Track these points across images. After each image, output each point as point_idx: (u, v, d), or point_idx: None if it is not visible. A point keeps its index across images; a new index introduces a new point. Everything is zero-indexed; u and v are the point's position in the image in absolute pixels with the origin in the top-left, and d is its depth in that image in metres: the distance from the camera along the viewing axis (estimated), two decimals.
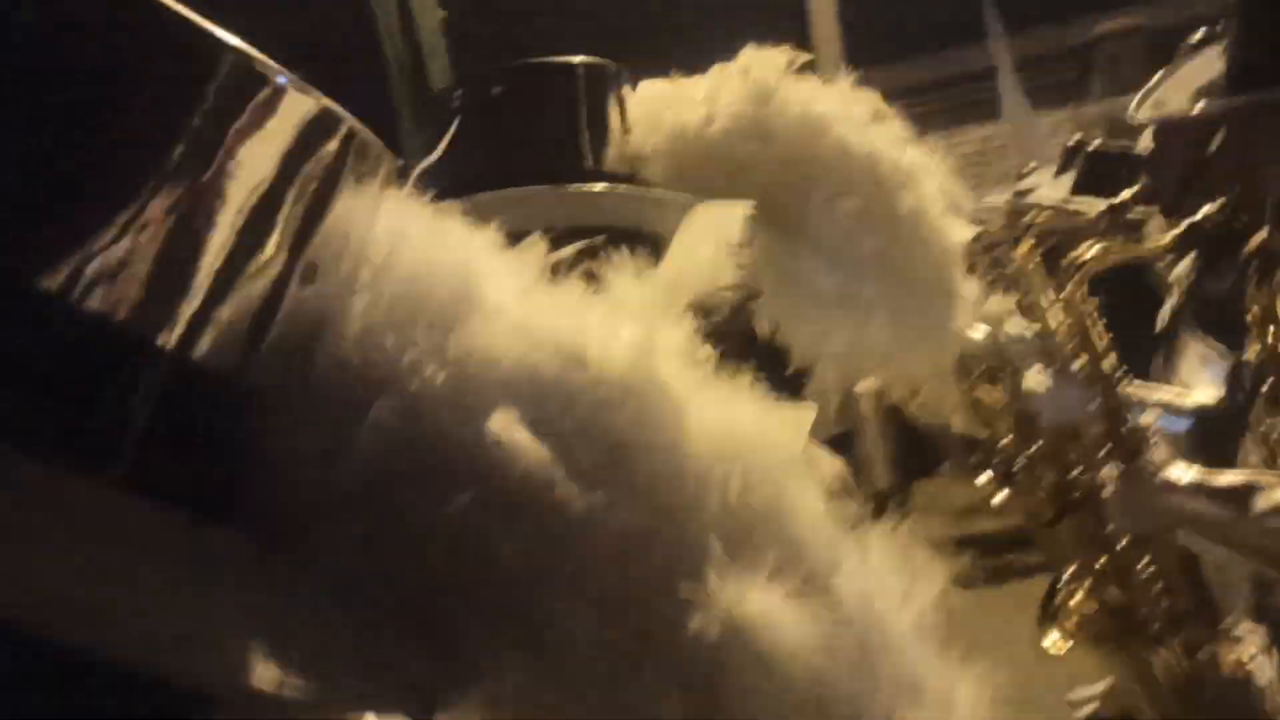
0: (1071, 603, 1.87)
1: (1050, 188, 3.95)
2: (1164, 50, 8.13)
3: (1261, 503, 1.45)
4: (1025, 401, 2.20)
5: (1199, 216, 1.75)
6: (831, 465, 1.21)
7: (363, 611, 0.46)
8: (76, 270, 0.40)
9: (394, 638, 0.47)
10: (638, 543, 0.49)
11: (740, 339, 1.22)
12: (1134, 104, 2.11)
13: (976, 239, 3.78)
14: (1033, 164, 5.14)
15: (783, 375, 1.22)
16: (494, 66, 1.49)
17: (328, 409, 0.47)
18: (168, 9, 0.46)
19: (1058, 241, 2.77)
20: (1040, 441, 2.20)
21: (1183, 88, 1.97)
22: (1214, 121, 1.83)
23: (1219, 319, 1.86)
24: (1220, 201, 1.74)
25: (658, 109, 1.42)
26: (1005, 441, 2.99)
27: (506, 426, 0.47)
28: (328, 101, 0.48)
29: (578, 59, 1.34)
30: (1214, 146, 1.83)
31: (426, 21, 7.27)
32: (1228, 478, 1.56)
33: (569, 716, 0.48)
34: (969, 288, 1.68)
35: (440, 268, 0.51)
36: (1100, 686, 4.48)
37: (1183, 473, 1.60)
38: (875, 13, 9.41)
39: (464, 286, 0.51)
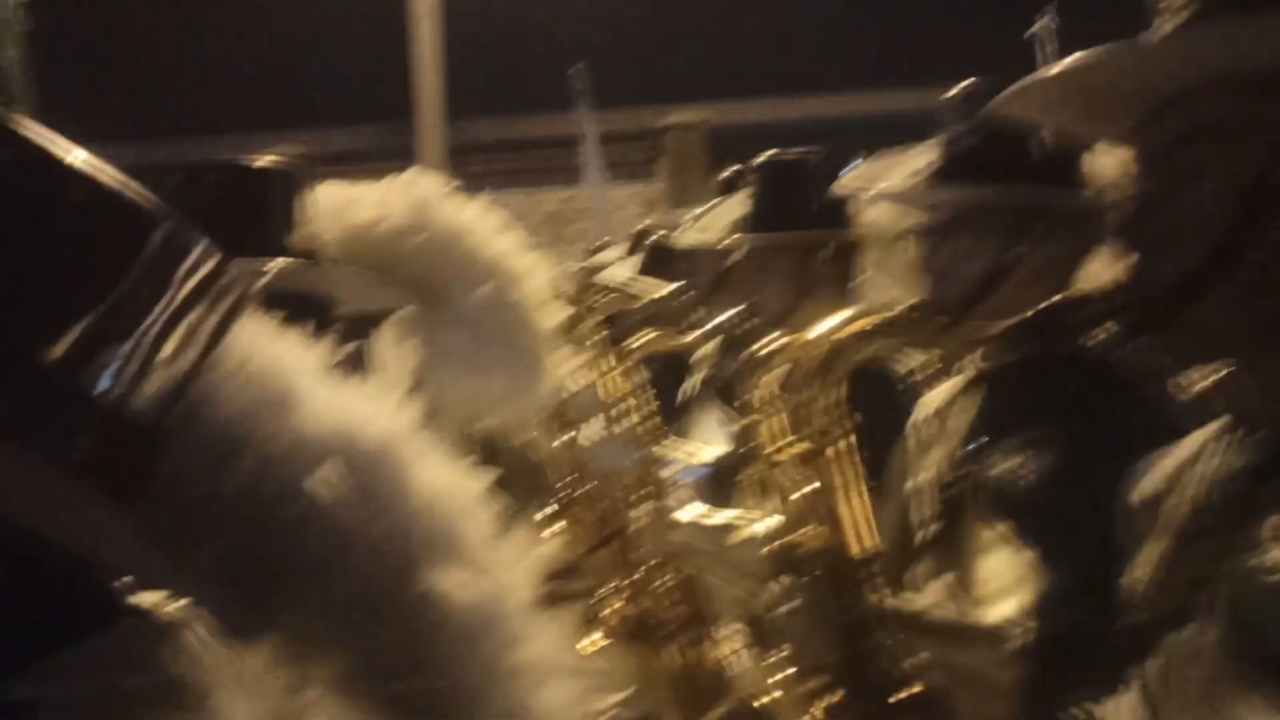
0: (606, 612, 2.39)
1: (619, 266, 4.54)
2: (724, 145, 9.22)
3: (733, 538, 2.03)
4: (585, 449, 2.72)
5: (720, 320, 2.36)
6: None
7: (216, 569, 0.80)
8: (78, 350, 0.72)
9: (229, 588, 0.81)
10: (379, 542, 0.86)
11: None
12: (680, 231, 2.71)
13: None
14: (607, 238, 5.80)
15: None
16: (211, 162, 1.80)
17: (215, 450, 0.81)
18: (104, 186, 0.78)
19: (621, 316, 3.37)
20: (592, 483, 2.72)
21: (721, 218, 2.60)
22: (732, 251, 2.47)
23: (729, 391, 2.46)
24: (736, 310, 2.35)
25: (338, 206, 1.81)
26: (566, 481, 3.54)
27: (319, 477, 0.83)
28: (219, 254, 0.80)
29: (270, 160, 1.71)
30: (729, 266, 2.46)
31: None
32: (717, 517, 2.14)
33: (335, 650, 0.84)
34: (561, 353, 2.19)
35: (273, 364, 0.85)
36: (623, 695, 5.13)
37: (689, 512, 2.16)
38: (475, 68, 9.85)
39: (287, 381, 0.86)
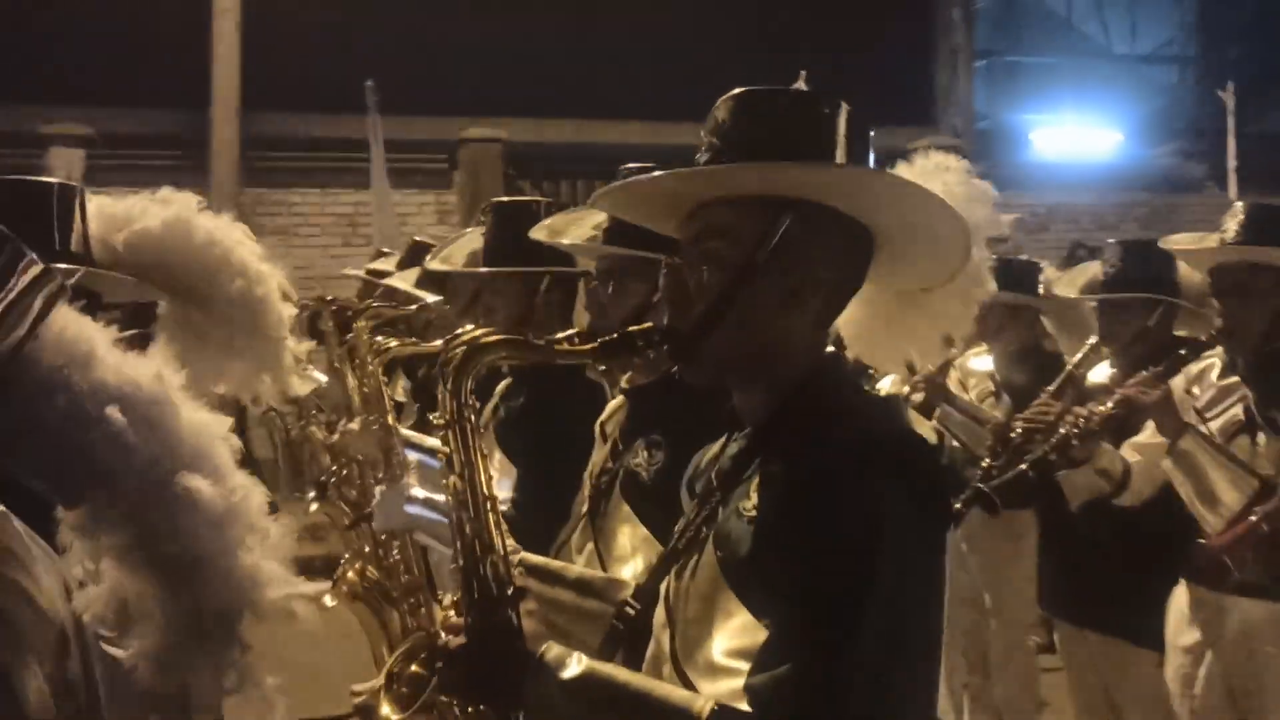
0: (348, 575, 2.79)
1: (398, 278, 4.89)
2: (519, 162, 9.63)
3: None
4: (341, 439, 3.11)
5: (461, 332, 2.80)
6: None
7: (44, 467, 1.21)
8: None
9: (52, 481, 1.22)
10: (153, 454, 1.27)
11: None
12: (430, 257, 3.13)
13: (327, 304, 4.67)
14: (385, 250, 6.13)
15: None
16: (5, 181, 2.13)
17: (42, 388, 1.21)
18: None
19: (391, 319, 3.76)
20: (348, 468, 3.12)
21: (462, 249, 3.03)
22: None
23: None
24: (470, 327, 2.80)
25: (109, 216, 2.18)
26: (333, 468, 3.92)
27: (111, 410, 1.24)
28: (41, 262, 1.19)
29: (56, 180, 2.08)
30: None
31: None
32: (443, 498, 2.57)
33: (120, 528, 1.25)
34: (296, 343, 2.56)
35: (78, 335, 1.26)
36: (376, 683, 5.47)
37: (419, 491, 2.59)
38: (276, 65, 9.88)
39: (89, 346, 1.26)
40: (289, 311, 2.43)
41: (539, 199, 3.02)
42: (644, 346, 1.55)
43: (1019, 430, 3.32)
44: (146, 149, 9.86)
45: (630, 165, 2.19)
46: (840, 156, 1.50)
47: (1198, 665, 3.10)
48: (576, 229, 2.40)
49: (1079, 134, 14.02)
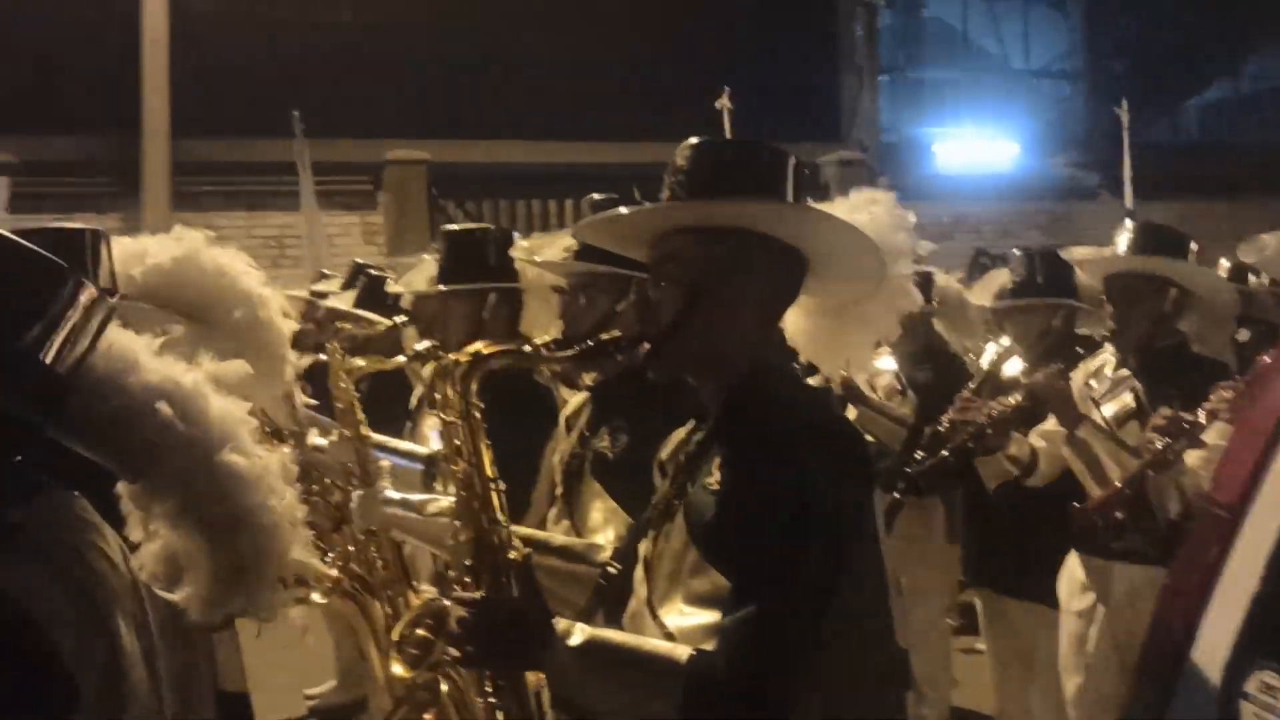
0: (333, 573, 3.04)
1: (338, 298, 5.12)
2: (443, 183, 9.83)
3: (429, 509, 2.75)
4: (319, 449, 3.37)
5: (417, 349, 3.09)
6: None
7: (106, 452, 1.48)
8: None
9: (114, 462, 1.50)
10: (194, 435, 1.55)
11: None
12: (394, 280, 3.41)
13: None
14: (326, 272, 6.35)
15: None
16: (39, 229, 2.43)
17: (100, 389, 1.48)
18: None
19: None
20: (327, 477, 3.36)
21: (421, 274, 3.32)
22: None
23: None
24: (428, 343, 3.08)
25: (130, 254, 2.46)
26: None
27: (159, 404, 1.52)
28: (98, 290, 1.47)
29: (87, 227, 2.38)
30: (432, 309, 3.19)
31: None
32: (416, 496, 2.85)
33: (169, 496, 1.54)
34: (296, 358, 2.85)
35: (123, 346, 1.53)
36: (327, 686, 5.69)
37: (393, 493, 2.86)
38: (204, 91, 9.98)
39: (134, 355, 1.53)
40: (290, 329, 2.71)
41: (486, 226, 3.37)
42: (615, 351, 1.87)
43: (948, 423, 3.71)
44: (74, 175, 9.93)
45: (597, 196, 2.51)
46: (785, 195, 1.85)
47: (1089, 626, 3.50)
48: (550, 250, 2.73)
49: (979, 146, 14.65)
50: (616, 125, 11.47)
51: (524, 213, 11.37)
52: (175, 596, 1.63)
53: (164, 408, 1.55)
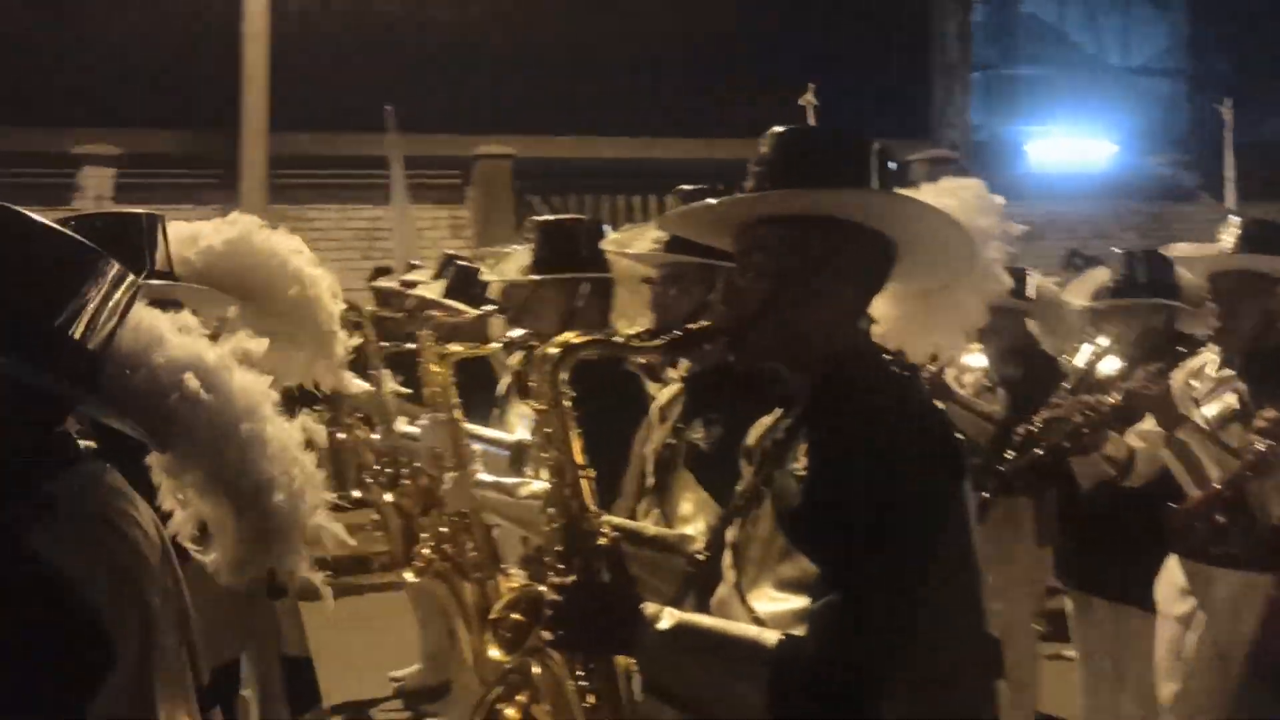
0: (425, 554, 3.11)
1: (427, 287, 5.20)
2: (528, 177, 9.94)
3: (522, 492, 2.78)
4: (409, 434, 3.43)
5: (510, 337, 3.13)
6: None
7: (138, 423, 1.55)
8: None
9: (145, 432, 1.56)
10: (219, 407, 1.63)
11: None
12: (484, 269, 3.46)
13: (370, 315, 5.02)
14: (417, 262, 6.45)
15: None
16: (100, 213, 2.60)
17: (128, 362, 1.56)
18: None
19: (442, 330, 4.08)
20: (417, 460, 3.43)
21: (513, 264, 3.37)
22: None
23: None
24: (522, 331, 3.11)
25: (185, 237, 2.62)
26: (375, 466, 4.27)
27: (184, 377, 1.61)
28: (130, 274, 1.53)
29: (142, 210, 2.52)
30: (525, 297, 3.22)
31: None
32: (509, 480, 2.88)
33: (197, 465, 1.62)
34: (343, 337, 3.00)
35: (150, 323, 1.62)
36: (413, 668, 5.81)
37: (485, 476, 2.90)
38: (299, 86, 10.20)
39: (159, 331, 1.61)
40: (339, 308, 2.86)
41: (578, 216, 3.40)
42: (704, 341, 1.87)
43: (1041, 422, 3.66)
44: (175, 168, 10.23)
45: (686, 187, 2.51)
46: (870, 181, 1.84)
47: (1188, 632, 3.42)
48: (640, 242, 2.75)
49: (1073, 145, 14.33)
50: (701, 121, 11.47)
51: (608, 208, 11.41)
52: (206, 559, 1.72)
53: (190, 380, 1.63)
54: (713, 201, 1.91)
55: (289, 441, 1.76)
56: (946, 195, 2.38)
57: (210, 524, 1.71)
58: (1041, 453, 3.60)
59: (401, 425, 4.15)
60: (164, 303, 2.24)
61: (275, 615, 2.80)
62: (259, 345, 2.00)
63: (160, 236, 2.63)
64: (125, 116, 10.07)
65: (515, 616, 2.10)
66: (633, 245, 2.81)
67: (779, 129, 1.88)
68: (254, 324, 2.63)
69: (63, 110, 10.05)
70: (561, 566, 1.84)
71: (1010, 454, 3.76)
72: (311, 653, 3.16)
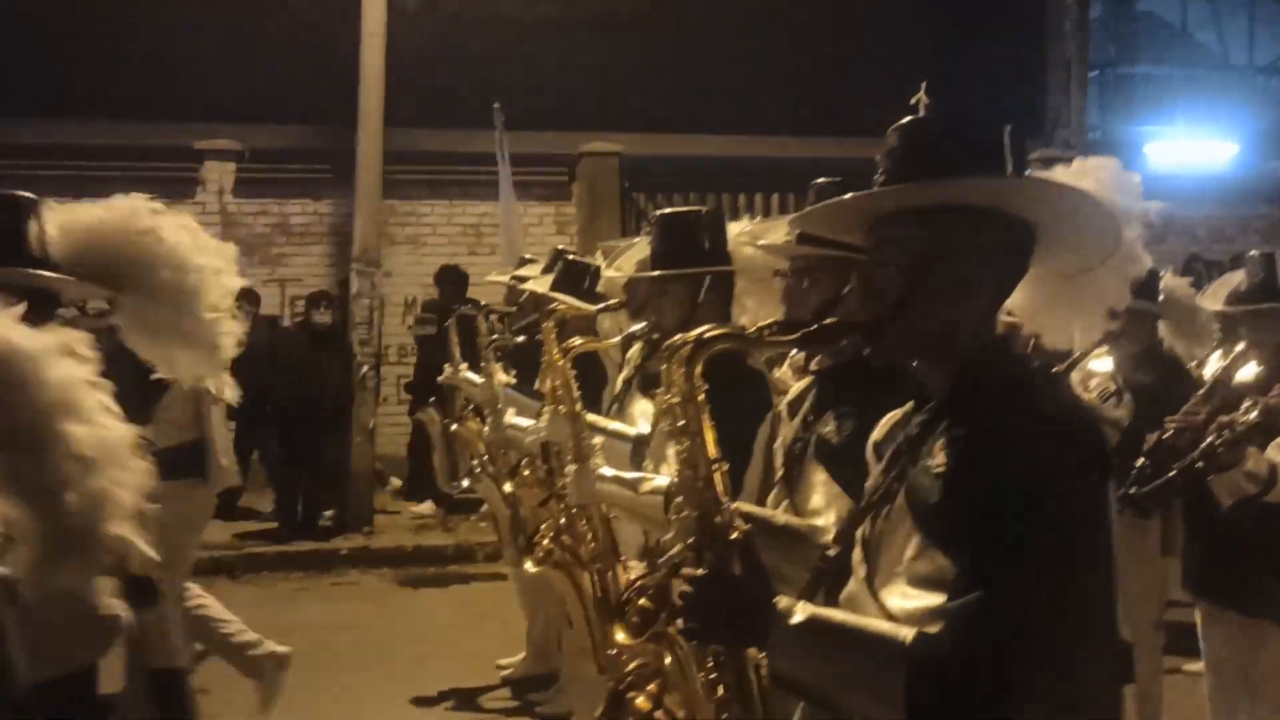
0: (544, 542, 3.13)
1: (537, 282, 5.24)
2: (634, 175, 10.03)
3: (644, 488, 2.78)
4: (529, 428, 3.46)
5: (631, 331, 3.13)
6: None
7: None
8: None
9: None
10: (27, 408, 1.58)
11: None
12: (605, 265, 3.47)
13: (482, 309, 5.07)
14: (527, 256, 6.51)
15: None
16: None
17: None
18: None
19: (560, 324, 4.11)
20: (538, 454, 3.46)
21: (631, 259, 3.37)
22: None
23: (653, 384, 3.17)
24: (642, 325, 3.11)
25: (65, 222, 2.65)
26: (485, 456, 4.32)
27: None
28: None
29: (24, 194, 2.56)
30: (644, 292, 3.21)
31: None
32: (630, 474, 2.89)
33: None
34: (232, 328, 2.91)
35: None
36: (519, 657, 5.88)
37: (607, 470, 2.91)
38: (414, 82, 10.39)
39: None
40: (228, 300, 2.80)
41: (699, 209, 3.33)
42: (837, 335, 1.85)
43: (1172, 430, 3.52)
44: (293, 162, 10.51)
45: (821, 180, 2.48)
46: (1003, 166, 1.78)
47: None
48: (772, 233, 2.72)
49: (1194, 146, 13.89)
50: (807, 120, 11.37)
51: (713, 205, 11.38)
52: (5, 570, 1.58)
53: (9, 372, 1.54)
54: (848, 197, 1.88)
55: (110, 442, 1.61)
56: (1083, 176, 2.31)
57: (13, 529, 1.57)
58: (1175, 474, 3.45)
59: (510, 417, 4.19)
60: (35, 291, 2.26)
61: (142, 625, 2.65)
62: (84, 339, 1.80)
63: (36, 221, 2.59)
64: (246, 113, 10.39)
65: (644, 603, 2.11)
66: (765, 236, 2.79)
67: (905, 120, 1.84)
68: (133, 312, 2.70)
69: (186, 107, 10.40)
70: (692, 557, 1.83)
71: (1140, 462, 3.63)
72: (185, 663, 3.04)
